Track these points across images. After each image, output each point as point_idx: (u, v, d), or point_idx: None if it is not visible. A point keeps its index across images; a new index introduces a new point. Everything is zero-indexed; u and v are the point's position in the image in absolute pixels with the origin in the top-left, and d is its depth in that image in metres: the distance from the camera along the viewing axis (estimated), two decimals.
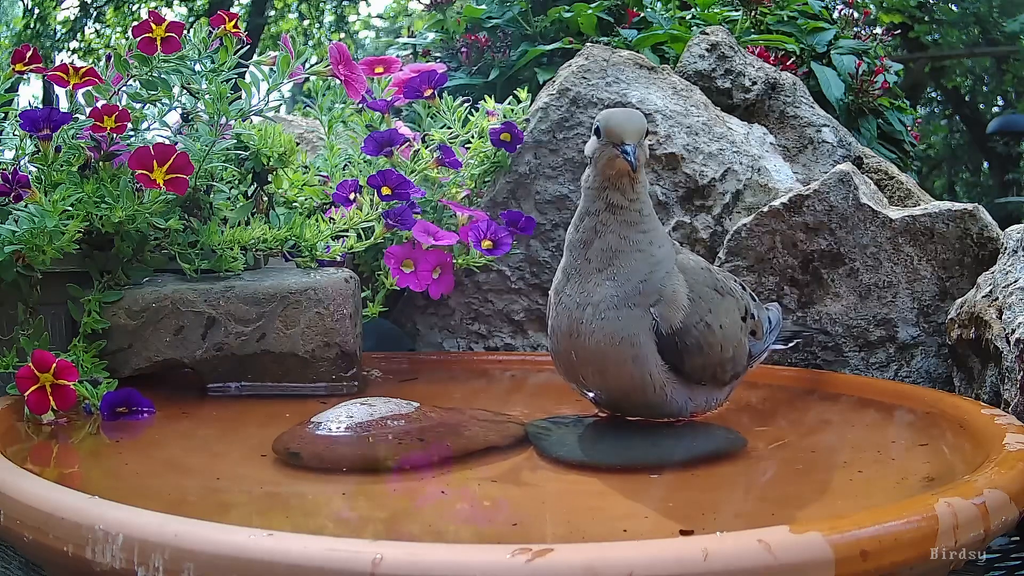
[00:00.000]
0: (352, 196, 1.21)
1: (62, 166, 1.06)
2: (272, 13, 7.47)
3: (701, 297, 0.87)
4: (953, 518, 0.58)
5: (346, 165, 1.34)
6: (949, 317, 1.12)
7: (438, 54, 1.97)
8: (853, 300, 1.21)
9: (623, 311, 0.84)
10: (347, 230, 1.19)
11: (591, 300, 0.85)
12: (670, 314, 0.85)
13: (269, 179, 1.30)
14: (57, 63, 1.27)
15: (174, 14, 6.78)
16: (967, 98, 7.49)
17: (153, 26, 1.09)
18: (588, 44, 1.46)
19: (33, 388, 0.90)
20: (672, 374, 0.86)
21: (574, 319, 0.86)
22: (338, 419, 0.84)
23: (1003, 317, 0.98)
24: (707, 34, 1.53)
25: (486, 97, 1.39)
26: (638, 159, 0.83)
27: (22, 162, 1.09)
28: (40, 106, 1.11)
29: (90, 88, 1.11)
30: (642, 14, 1.88)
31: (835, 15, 2.09)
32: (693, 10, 1.91)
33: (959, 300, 1.11)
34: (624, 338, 0.84)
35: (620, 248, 0.85)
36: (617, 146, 0.83)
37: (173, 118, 1.23)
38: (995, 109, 7.38)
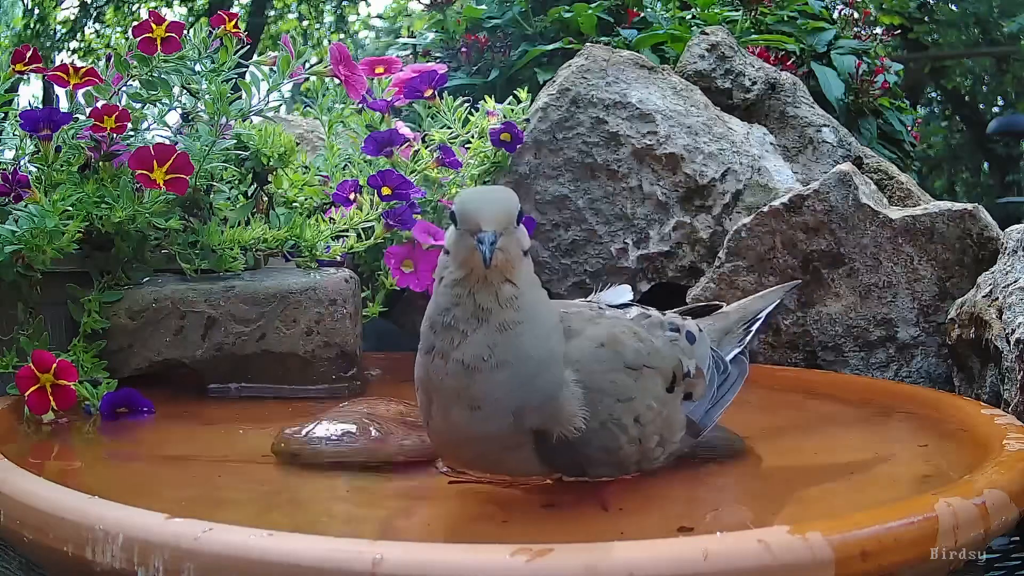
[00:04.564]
0: (352, 196, 1.21)
1: (62, 166, 1.06)
2: (272, 13, 7.47)
3: (604, 391, 0.71)
4: (953, 518, 0.58)
5: (346, 165, 1.33)
6: (949, 317, 1.12)
7: (438, 54, 1.97)
8: (853, 300, 1.21)
9: (501, 452, 0.70)
10: (347, 230, 1.19)
11: (459, 436, 0.70)
12: (564, 428, 0.69)
13: (269, 179, 1.30)
14: (57, 63, 1.27)
15: (174, 14, 6.78)
16: (967, 98, 7.49)
17: (153, 26, 1.10)
18: (588, 44, 1.46)
19: (33, 388, 0.90)
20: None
21: (449, 446, 0.74)
22: (339, 418, 0.84)
23: (1003, 317, 0.98)
24: (707, 34, 1.53)
25: (486, 97, 1.39)
26: (496, 254, 0.65)
27: (22, 162, 1.09)
28: (40, 106, 1.11)
29: (90, 88, 1.12)
30: (642, 14, 1.88)
31: (835, 15, 2.09)
32: (693, 10, 1.91)
33: (959, 300, 1.11)
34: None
35: (481, 367, 0.67)
36: (474, 234, 0.65)
37: (173, 118, 1.23)
38: (995, 109, 7.38)
